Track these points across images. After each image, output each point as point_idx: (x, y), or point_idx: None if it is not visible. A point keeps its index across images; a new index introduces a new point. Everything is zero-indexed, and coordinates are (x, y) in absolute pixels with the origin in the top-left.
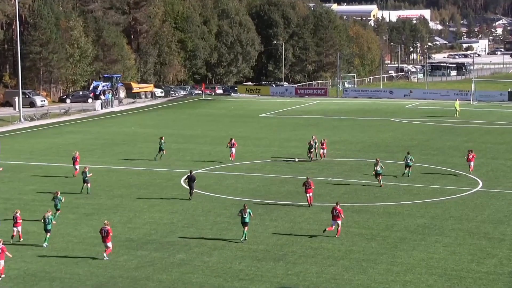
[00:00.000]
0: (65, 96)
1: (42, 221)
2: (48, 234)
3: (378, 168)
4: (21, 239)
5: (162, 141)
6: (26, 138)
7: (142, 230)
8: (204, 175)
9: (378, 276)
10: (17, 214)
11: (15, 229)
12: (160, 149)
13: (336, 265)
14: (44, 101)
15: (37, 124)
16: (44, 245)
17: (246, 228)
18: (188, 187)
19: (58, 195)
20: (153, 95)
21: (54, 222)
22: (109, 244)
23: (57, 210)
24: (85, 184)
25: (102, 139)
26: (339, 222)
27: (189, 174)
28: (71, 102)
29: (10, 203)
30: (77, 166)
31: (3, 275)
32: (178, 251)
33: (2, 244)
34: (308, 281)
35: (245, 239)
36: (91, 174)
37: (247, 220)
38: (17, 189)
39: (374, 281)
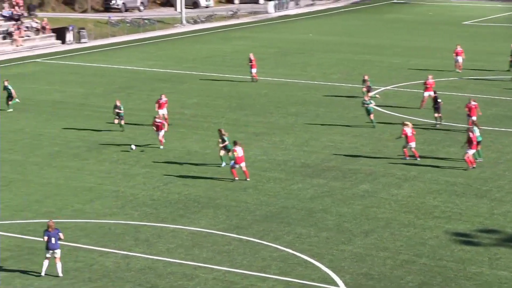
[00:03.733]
0: None
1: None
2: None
3: None
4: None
5: None
6: (188, 44)
7: (320, 155)
8: (394, 93)
9: None
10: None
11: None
12: None
13: None
14: (210, 1)
15: (200, 27)
16: (223, 164)
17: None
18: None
19: None
20: None
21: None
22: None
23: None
24: None
25: (275, 47)
26: None
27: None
28: (240, 3)
29: (170, 118)
30: (254, 70)
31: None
32: (361, 181)
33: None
34: None
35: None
36: None
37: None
38: (179, 102)
39: None
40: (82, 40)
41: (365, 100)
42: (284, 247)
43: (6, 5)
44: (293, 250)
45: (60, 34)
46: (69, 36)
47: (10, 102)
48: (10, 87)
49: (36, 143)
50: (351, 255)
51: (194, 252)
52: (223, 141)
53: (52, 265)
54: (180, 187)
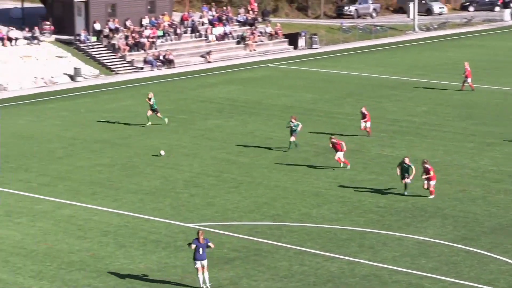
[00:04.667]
0: (467, 3)
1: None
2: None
3: None
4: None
5: None
6: (419, 51)
7: None
8: None
9: None
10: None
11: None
12: None
13: None
14: (443, 8)
15: (432, 35)
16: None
17: None
18: None
19: None
20: None
21: None
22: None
23: None
24: None
25: (509, 55)
26: None
27: None
28: (474, 10)
29: (398, 125)
30: (469, 80)
31: (348, 166)
32: None
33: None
34: None
35: None
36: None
37: None
38: (407, 110)
39: None
40: (314, 46)
41: None
42: None
43: (242, 10)
44: None
45: (292, 39)
46: (301, 42)
47: (159, 114)
48: (153, 101)
49: (265, 146)
50: None
51: (420, 261)
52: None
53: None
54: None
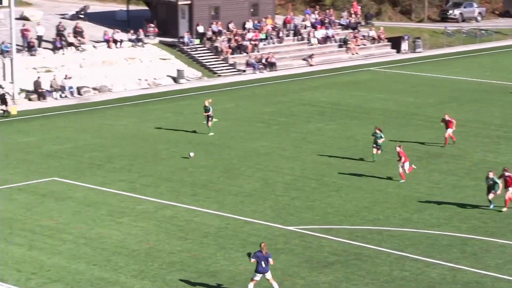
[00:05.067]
0: None
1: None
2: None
3: None
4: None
5: None
6: None
7: None
8: None
9: None
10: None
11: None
12: None
13: None
14: None
15: None
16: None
17: None
18: None
19: None
20: None
21: None
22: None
23: None
24: None
25: None
26: None
27: None
28: None
29: (503, 130)
30: None
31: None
32: None
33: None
34: None
35: None
36: None
37: None
38: None
39: None
40: (417, 50)
41: None
42: None
43: (345, 14)
44: None
45: (395, 43)
46: (404, 46)
47: (210, 124)
48: (210, 107)
49: (366, 150)
50: None
51: None
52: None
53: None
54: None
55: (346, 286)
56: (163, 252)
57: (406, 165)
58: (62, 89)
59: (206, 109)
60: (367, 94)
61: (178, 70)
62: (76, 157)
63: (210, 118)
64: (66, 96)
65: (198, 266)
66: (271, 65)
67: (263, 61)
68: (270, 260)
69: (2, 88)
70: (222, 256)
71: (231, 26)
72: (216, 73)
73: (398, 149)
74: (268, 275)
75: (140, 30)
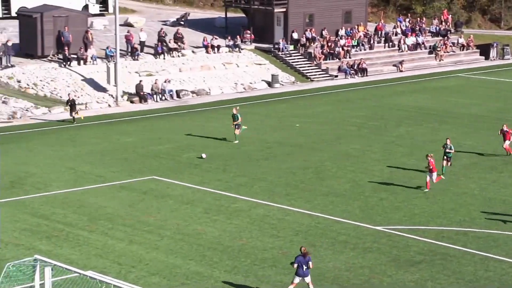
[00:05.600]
0: None
1: None
2: None
3: None
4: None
5: None
6: None
7: None
8: None
9: None
10: None
11: None
12: None
13: None
14: None
15: None
16: None
17: None
18: None
19: None
20: None
21: None
22: None
23: None
24: None
25: None
26: None
27: None
28: None
29: None
30: None
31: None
32: None
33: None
34: None
35: None
36: None
37: None
38: None
39: None
40: (506, 57)
41: None
42: None
43: (435, 21)
44: None
45: (484, 50)
46: (493, 53)
47: (237, 132)
48: (238, 115)
49: (458, 154)
50: None
51: None
52: None
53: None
54: None
55: (431, 285)
56: (256, 248)
57: (434, 175)
58: (162, 92)
59: (235, 118)
60: (455, 99)
61: (272, 75)
62: (175, 157)
63: (237, 126)
64: (166, 99)
65: (289, 262)
66: (362, 71)
67: (355, 67)
68: (310, 263)
69: (69, 95)
70: (311, 254)
71: (324, 33)
72: (309, 78)
73: (429, 159)
74: (308, 278)
75: (237, 37)
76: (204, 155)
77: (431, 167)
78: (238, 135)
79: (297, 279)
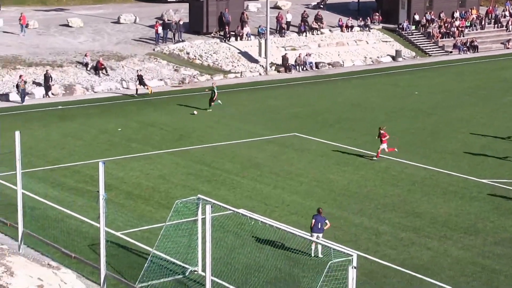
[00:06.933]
0: None
1: None
2: None
3: None
4: None
5: None
6: None
7: None
8: None
9: None
10: None
11: None
12: None
13: None
14: None
15: None
16: None
17: None
18: None
19: None
20: None
21: None
22: None
23: None
24: None
25: None
26: None
27: None
28: None
29: None
30: None
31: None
32: None
33: None
34: None
35: None
36: None
37: None
38: None
39: None
40: None
41: None
42: None
43: None
44: None
45: None
46: None
47: (212, 104)
48: (215, 89)
49: None
50: None
51: None
52: None
53: None
54: None
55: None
56: (378, 195)
57: (384, 145)
58: (303, 64)
59: (213, 92)
60: None
61: (396, 51)
62: (313, 118)
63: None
64: (306, 70)
65: (406, 207)
66: (474, 48)
67: (467, 44)
68: (327, 221)
69: (138, 71)
70: (426, 201)
71: (441, 15)
72: (427, 53)
73: (381, 131)
74: (320, 235)
75: (368, 18)
76: (195, 112)
77: (381, 139)
78: (212, 106)
79: (313, 236)
